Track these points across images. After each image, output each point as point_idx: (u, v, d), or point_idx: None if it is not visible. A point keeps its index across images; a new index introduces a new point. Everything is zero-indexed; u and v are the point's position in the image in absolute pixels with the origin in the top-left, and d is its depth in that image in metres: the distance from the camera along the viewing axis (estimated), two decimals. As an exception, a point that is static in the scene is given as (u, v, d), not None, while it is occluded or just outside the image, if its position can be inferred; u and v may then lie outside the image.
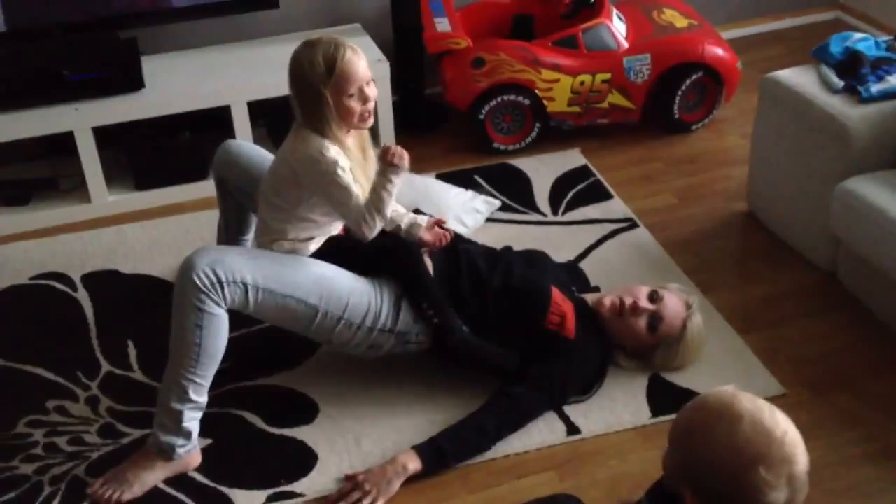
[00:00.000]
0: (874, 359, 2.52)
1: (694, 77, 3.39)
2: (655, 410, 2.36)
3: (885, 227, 2.45)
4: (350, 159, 2.21)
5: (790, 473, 1.32)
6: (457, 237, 2.70)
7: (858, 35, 2.89)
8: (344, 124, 2.20)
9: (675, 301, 2.43)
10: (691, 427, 1.37)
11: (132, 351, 2.59)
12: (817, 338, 2.58)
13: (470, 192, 3.16)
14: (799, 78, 2.82)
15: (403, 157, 2.20)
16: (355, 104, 2.18)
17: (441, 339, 2.34)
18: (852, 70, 2.74)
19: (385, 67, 3.31)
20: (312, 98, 2.17)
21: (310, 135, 2.19)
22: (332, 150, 2.17)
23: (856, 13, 4.21)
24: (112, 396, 2.45)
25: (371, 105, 2.21)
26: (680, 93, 3.41)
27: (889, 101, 2.65)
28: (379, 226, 2.25)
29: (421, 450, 2.21)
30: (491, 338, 2.36)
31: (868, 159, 2.61)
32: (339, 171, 2.17)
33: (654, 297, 2.41)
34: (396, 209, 2.46)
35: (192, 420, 2.17)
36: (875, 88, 2.67)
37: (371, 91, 2.19)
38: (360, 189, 2.21)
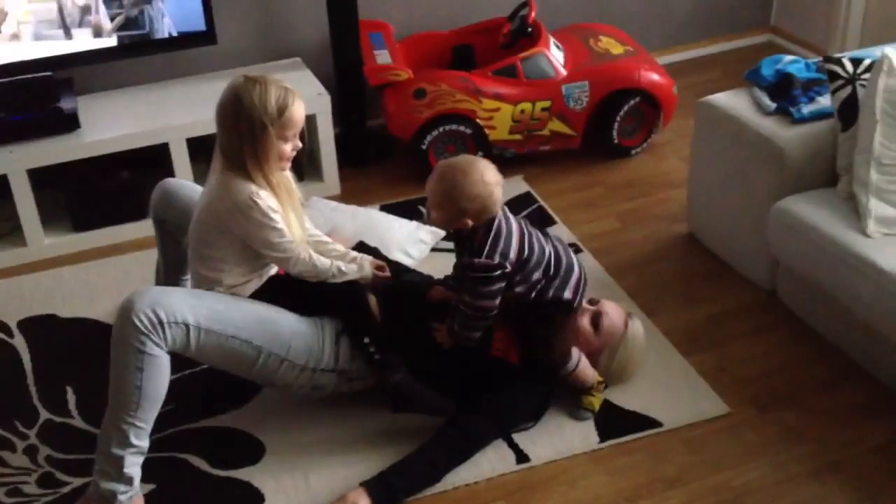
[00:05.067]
0: (817, 374, 2.55)
1: (631, 102, 3.44)
2: (604, 435, 2.37)
3: (820, 245, 2.49)
4: (279, 197, 2.22)
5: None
6: (401, 269, 2.69)
7: (789, 57, 2.96)
8: (274, 164, 2.22)
9: (614, 305, 2.51)
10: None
11: (71, 397, 2.53)
12: (761, 356, 2.61)
13: (414, 223, 3.15)
14: (733, 101, 2.87)
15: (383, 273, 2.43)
16: (287, 147, 2.23)
17: (381, 377, 2.32)
18: (784, 92, 2.80)
19: (326, 101, 3.31)
20: (253, 134, 2.17)
21: (235, 179, 2.19)
22: (263, 195, 2.18)
23: (787, 35, 4.31)
24: (51, 445, 2.39)
25: (296, 151, 2.28)
26: (618, 118, 3.45)
27: (821, 122, 2.70)
28: (304, 254, 2.30)
29: (370, 486, 2.18)
30: (438, 368, 2.35)
31: (802, 179, 2.66)
32: (273, 215, 2.19)
33: (592, 300, 2.50)
34: (336, 248, 2.45)
35: (133, 465, 2.12)
36: (807, 109, 2.73)
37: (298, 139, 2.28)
38: (292, 226, 2.24)
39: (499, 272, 2.24)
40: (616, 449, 2.34)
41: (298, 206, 2.34)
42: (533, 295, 2.31)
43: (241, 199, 2.18)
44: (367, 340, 2.29)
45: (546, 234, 2.42)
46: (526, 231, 2.33)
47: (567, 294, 2.33)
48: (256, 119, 2.16)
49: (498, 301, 2.28)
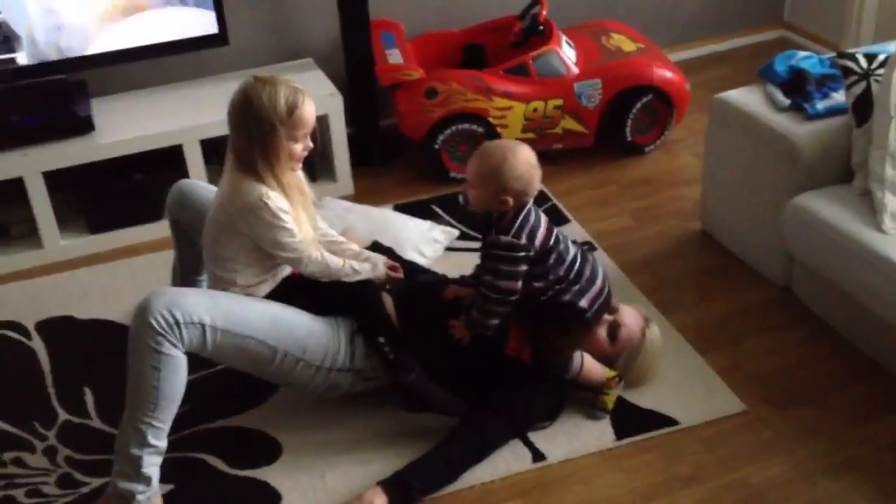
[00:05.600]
0: (833, 371, 2.54)
1: (644, 100, 3.43)
2: (619, 433, 2.37)
3: (835, 241, 2.48)
4: (290, 197, 2.23)
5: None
6: (415, 268, 2.70)
7: (802, 53, 2.95)
8: (285, 165, 2.23)
9: (632, 311, 2.49)
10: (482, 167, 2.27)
11: (89, 398, 2.55)
12: (776, 353, 2.61)
13: (428, 223, 3.16)
14: (746, 97, 2.86)
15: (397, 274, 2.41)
16: (297, 148, 2.23)
17: (396, 377, 2.33)
18: (798, 88, 2.79)
19: (338, 101, 3.32)
20: (263, 135, 2.18)
21: (246, 180, 2.20)
22: (273, 196, 2.19)
23: (800, 31, 4.30)
24: (70, 445, 2.40)
25: (307, 151, 2.28)
26: (631, 116, 3.45)
27: (835, 118, 2.70)
28: (314, 254, 2.30)
29: (387, 485, 2.19)
30: (453, 367, 2.36)
31: (817, 175, 2.65)
32: (282, 216, 2.20)
33: (611, 308, 2.46)
34: (350, 247, 2.46)
35: (151, 465, 2.13)
36: (821, 105, 2.72)
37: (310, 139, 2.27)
38: (303, 227, 2.25)
39: (523, 253, 2.25)
40: (632, 447, 2.34)
41: (311, 206, 2.35)
42: (550, 293, 2.31)
43: (252, 199, 2.19)
44: (381, 340, 2.30)
45: (575, 242, 2.43)
46: (553, 227, 2.34)
47: (583, 302, 2.32)
48: (266, 119, 2.16)
49: (519, 284, 2.27)
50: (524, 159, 2.24)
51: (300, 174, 2.33)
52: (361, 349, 2.33)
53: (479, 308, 2.31)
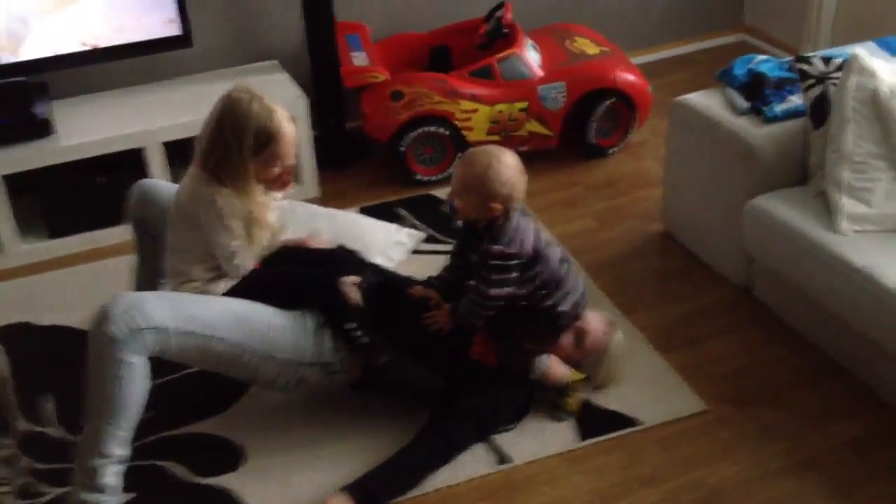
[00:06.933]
0: (793, 371, 2.58)
1: (607, 103, 3.46)
2: (584, 434, 2.39)
3: (793, 242, 2.52)
4: (250, 201, 2.26)
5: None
6: (381, 273, 2.70)
7: (761, 57, 2.98)
8: (261, 185, 2.29)
9: (597, 317, 2.50)
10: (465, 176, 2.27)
11: (50, 406, 2.52)
12: (737, 353, 2.64)
13: (394, 226, 3.16)
14: (706, 100, 2.89)
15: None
16: (277, 170, 2.30)
17: (369, 362, 2.32)
18: (756, 91, 2.82)
19: (303, 103, 3.31)
20: (231, 158, 2.23)
21: (207, 180, 2.24)
22: (227, 193, 2.22)
23: (760, 35, 4.35)
24: (30, 455, 2.38)
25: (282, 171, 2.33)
26: (594, 118, 3.47)
27: (792, 120, 2.73)
28: (249, 265, 2.33)
29: (351, 491, 2.19)
30: (421, 358, 2.36)
31: (774, 177, 2.69)
32: (227, 217, 2.23)
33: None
34: None
35: (113, 475, 2.11)
36: (779, 108, 2.76)
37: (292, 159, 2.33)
38: (252, 232, 2.30)
39: (515, 261, 2.26)
40: (594, 448, 2.36)
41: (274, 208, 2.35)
42: (533, 300, 2.32)
43: (204, 192, 2.23)
44: (353, 325, 2.29)
45: (558, 246, 2.44)
46: (539, 231, 2.35)
47: (565, 307, 2.34)
48: (236, 146, 2.23)
49: (508, 290, 2.28)
50: (509, 164, 2.24)
51: (278, 204, 2.36)
52: (329, 342, 2.31)
53: (466, 308, 2.32)
